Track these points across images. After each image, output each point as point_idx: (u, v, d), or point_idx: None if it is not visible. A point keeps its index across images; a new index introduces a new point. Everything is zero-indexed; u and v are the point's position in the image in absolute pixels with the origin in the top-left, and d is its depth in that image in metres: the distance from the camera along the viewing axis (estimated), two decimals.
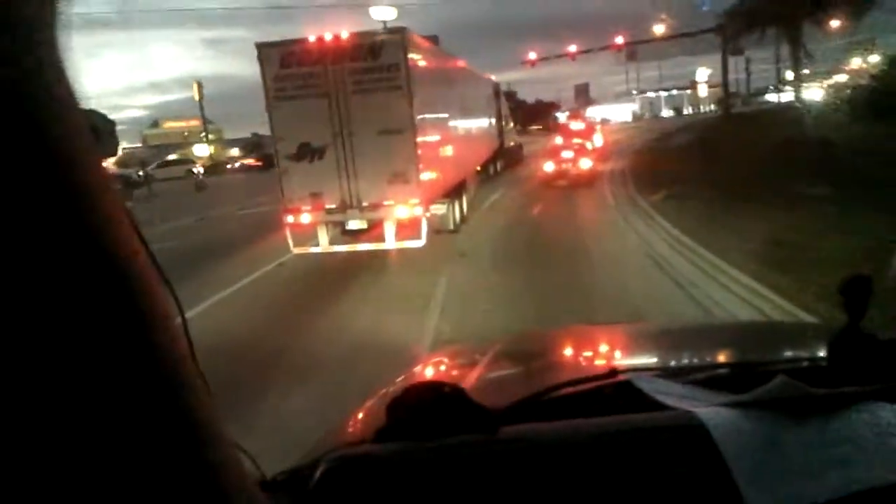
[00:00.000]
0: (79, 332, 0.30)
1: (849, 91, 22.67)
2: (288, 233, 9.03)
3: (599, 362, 1.65)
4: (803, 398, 0.78)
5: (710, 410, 0.79)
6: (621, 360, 1.70)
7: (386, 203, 8.76)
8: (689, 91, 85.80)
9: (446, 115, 11.19)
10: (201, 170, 36.05)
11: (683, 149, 23.00)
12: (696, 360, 1.56)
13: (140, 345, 0.33)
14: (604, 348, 1.81)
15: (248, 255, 10.20)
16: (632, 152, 23.92)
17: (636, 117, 79.11)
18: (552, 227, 11.30)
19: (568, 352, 1.83)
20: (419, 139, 8.66)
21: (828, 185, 10.77)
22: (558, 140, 19.06)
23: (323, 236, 9.08)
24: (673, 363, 1.49)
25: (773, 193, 10.66)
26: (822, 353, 1.07)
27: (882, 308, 1.05)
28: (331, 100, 8.61)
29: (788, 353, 1.61)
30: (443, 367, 1.88)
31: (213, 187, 27.95)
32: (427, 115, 9.32)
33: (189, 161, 43.78)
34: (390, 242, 8.91)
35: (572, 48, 35.15)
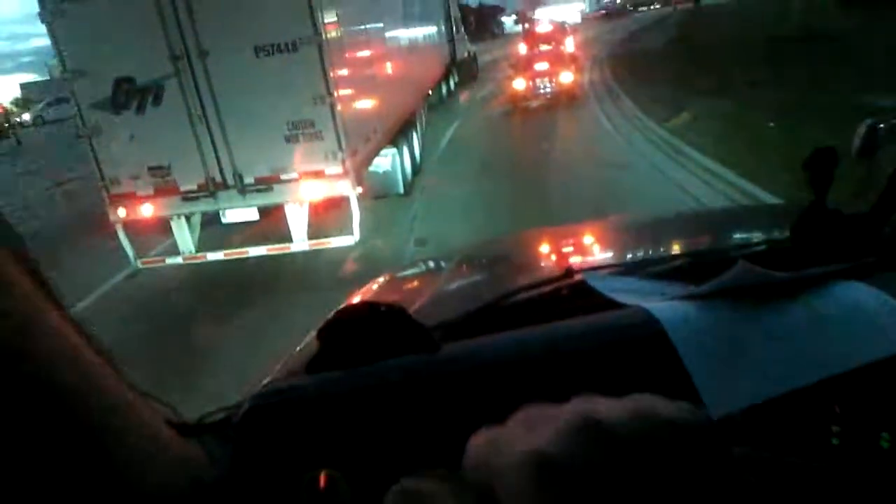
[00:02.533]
0: None
1: None
2: (121, 235, 5.28)
3: (557, 264, 1.60)
4: (764, 284, 0.73)
5: (665, 305, 0.74)
6: (580, 259, 1.64)
7: (285, 176, 5.06)
8: None
9: (375, 16, 7.21)
10: None
11: (666, 51, 19.38)
12: (655, 253, 1.53)
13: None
14: (564, 249, 1.76)
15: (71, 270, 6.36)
16: (607, 58, 20.13)
17: (585, 17, 74.11)
18: (543, 172, 7.82)
19: (526, 256, 1.76)
20: (333, 57, 4.87)
21: None
22: (523, 49, 15.17)
23: (184, 238, 5.36)
24: (631, 257, 1.47)
25: (831, 105, 7.45)
26: (786, 234, 0.97)
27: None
28: None
29: (750, 237, 1.59)
30: (394, 287, 1.70)
31: None
32: (343, 12, 5.45)
33: None
34: (299, 242, 5.28)
35: None
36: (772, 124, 7.95)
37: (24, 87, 56.37)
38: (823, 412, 0.67)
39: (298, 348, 1.05)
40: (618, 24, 43.72)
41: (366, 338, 0.73)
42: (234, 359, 3.85)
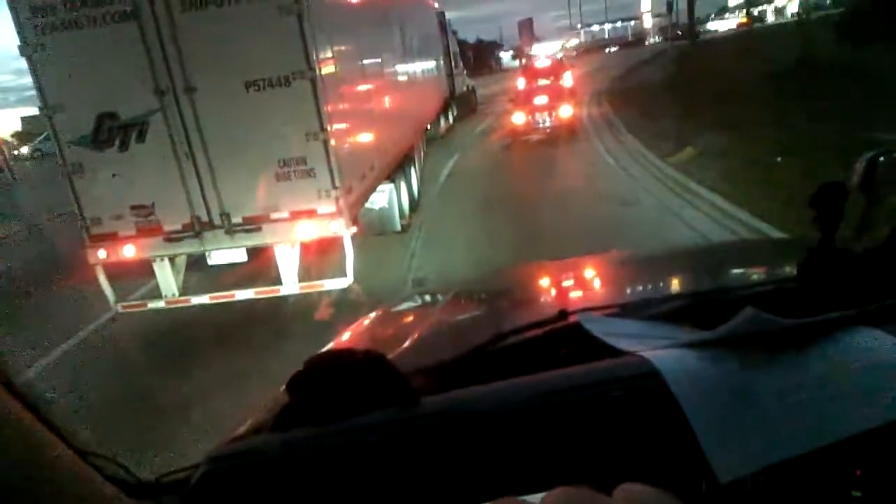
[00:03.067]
0: None
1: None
2: (101, 278, 4.97)
3: (552, 303, 1.55)
4: (773, 332, 0.68)
5: (666, 353, 0.68)
6: (577, 297, 1.59)
7: (276, 215, 4.78)
8: (633, 22, 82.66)
9: (372, 50, 7.04)
10: None
11: (665, 86, 19.41)
12: (655, 292, 1.45)
13: None
14: (560, 286, 1.69)
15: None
16: (605, 93, 20.18)
17: (580, 52, 75.39)
18: (546, 210, 7.57)
19: (522, 292, 1.69)
20: (328, 92, 4.64)
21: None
22: (522, 83, 15.12)
23: (167, 280, 5.04)
24: (630, 296, 1.42)
25: (837, 141, 7.24)
26: (793, 272, 0.93)
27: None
28: (143, 24, 4.44)
29: (756, 275, 1.55)
30: (387, 323, 1.64)
31: None
32: (338, 47, 5.25)
33: None
34: (290, 285, 4.97)
35: None
36: (779, 159, 7.74)
37: (24, 120, 56.68)
38: (843, 476, 0.61)
39: (266, 402, 0.97)
40: (609, 59, 44.22)
41: (339, 390, 0.68)
42: (212, 412, 3.51)
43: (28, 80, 4.58)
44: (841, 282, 0.83)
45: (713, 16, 78.70)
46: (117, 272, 5.07)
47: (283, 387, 0.77)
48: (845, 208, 0.86)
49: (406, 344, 1.09)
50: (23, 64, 4.53)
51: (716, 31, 65.03)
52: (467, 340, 0.88)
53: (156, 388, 4.03)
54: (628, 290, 1.57)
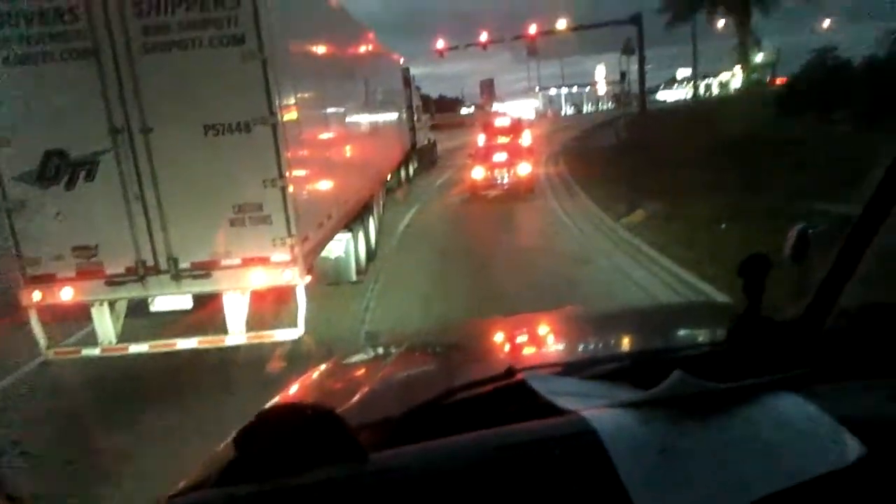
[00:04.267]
0: None
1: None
2: (33, 321, 4.68)
3: (501, 359, 1.60)
4: (701, 394, 0.73)
5: (603, 413, 0.73)
6: (525, 353, 1.64)
7: (227, 262, 4.65)
8: (587, 88, 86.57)
9: (334, 99, 7.11)
10: None
11: (618, 150, 20.28)
12: (598, 350, 1.55)
13: None
14: (509, 343, 1.76)
15: None
16: (561, 154, 20.87)
17: (539, 114, 78.32)
18: (503, 265, 7.63)
19: (472, 348, 1.73)
20: (288, 139, 4.62)
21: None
22: (482, 139, 15.53)
23: (104, 326, 4.79)
24: (574, 355, 1.50)
25: (777, 208, 7.66)
26: (723, 337, 1.04)
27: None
28: (102, 62, 4.36)
29: (688, 339, 1.64)
30: (338, 375, 1.66)
31: None
32: (302, 96, 5.27)
33: None
34: (236, 335, 4.78)
35: (483, 37, 32.12)
36: (723, 226, 8.08)
37: None
38: None
39: (210, 456, 0.97)
40: (565, 121, 46.00)
41: (287, 445, 0.68)
42: (144, 468, 3.27)
43: None
44: (764, 348, 0.89)
45: (663, 85, 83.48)
46: (56, 313, 4.81)
47: (229, 440, 0.75)
48: (771, 276, 0.92)
49: (356, 398, 1.10)
50: None
51: (664, 101, 68.96)
52: (417, 395, 0.90)
53: (79, 443, 3.76)
54: (573, 349, 1.64)
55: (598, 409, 0.75)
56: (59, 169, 4.46)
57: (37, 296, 4.60)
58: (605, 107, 77.70)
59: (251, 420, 0.70)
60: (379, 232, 9.17)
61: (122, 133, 4.44)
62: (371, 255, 8.14)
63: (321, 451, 0.68)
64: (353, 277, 6.97)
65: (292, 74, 4.94)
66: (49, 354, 4.72)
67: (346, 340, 5.26)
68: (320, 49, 6.49)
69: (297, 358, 4.67)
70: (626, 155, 18.04)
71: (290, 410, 0.74)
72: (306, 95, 5.56)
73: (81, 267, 4.57)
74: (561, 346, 1.75)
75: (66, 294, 4.60)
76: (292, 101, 4.91)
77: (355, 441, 0.71)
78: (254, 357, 4.85)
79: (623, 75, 33.65)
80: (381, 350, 2.02)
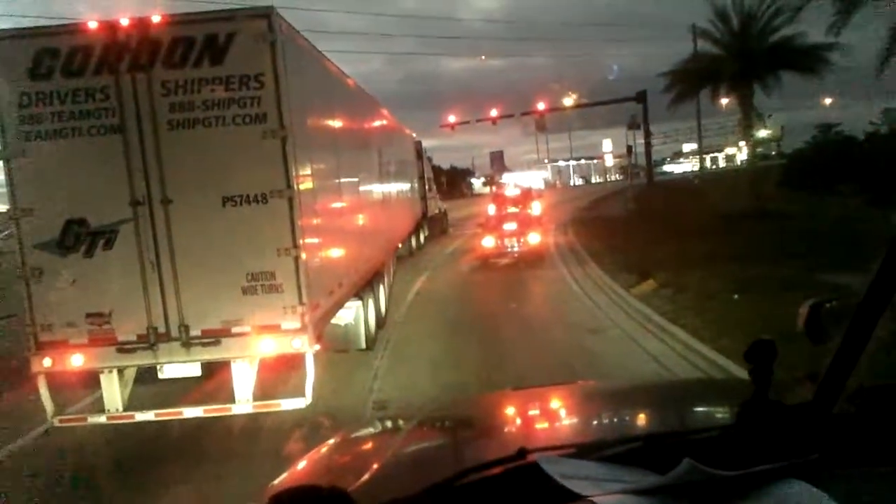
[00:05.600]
0: None
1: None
2: (41, 388, 4.67)
3: (513, 438, 1.61)
4: (710, 482, 0.75)
5: (616, 500, 0.75)
6: (534, 433, 1.64)
7: (237, 329, 4.67)
8: (595, 161, 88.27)
9: (349, 170, 7.31)
10: None
11: (626, 220, 20.47)
12: (610, 432, 1.55)
13: None
14: (521, 419, 1.78)
15: None
16: (571, 223, 21.09)
17: (548, 185, 79.67)
18: (513, 334, 7.57)
19: (484, 425, 1.73)
20: (303, 210, 4.74)
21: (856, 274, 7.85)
22: (492, 209, 15.75)
23: (112, 393, 4.77)
24: (586, 435, 1.51)
25: (789, 279, 7.61)
26: (732, 418, 1.06)
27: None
28: (128, 138, 4.56)
29: (699, 419, 1.67)
30: (346, 450, 1.66)
31: None
32: (317, 167, 5.45)
33: None
34: (243, 403, 4.74)
35: (493, 112, 33.24)
36: (736, 296, 8.04)
37: None
38: None
39: None
40: (573, 191, 46.73)
41: None
42: None
43: None
44: (773, 433, 0.90)
45: (669, 159, 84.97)
46: (67, 379, 4.81)
47: None
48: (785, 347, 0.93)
49: (366, 476, 1.10)
50: None
51: (671, 172, 70.00)
52: (428, 475, 0.90)
53: None
54: (584, 427, 1.64)
55: (611, 495, 0.76)
56: (78, 237, 4.59)
57: (47, 362, 4.62)
58: (612, 178, 78.88)
59: (267, 501, 0.71)
60: (389, 299, 9.19)
61: (143, 204, 4.58)
62: (381, 322, 8.12)
63: None
64: (363, 345, 6.94)
65: (309, 148, 5.13)
66: (54, 422, 4.68)
67: (353, 409, 5.18)
68: (336, 124, 6.75)
69: (306, 426, 4.59)
70: (634, 225, 18.23)
71: (305, 493, 0.75)
72: (322, 167, 5.75)
73: (94, 334, 4.60)
74: (572, 424, 1.73)
75: (77, 361, 4.61)
76: (308, 172, 5.08)
77: None
78: (262, 423, 4.77)
79: (629, 149, 34.49)
80: (389, 424, 2.02)
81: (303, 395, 4.67)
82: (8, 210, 4.57)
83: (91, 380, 4.93)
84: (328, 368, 5.49)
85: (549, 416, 1.80)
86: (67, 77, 4.50)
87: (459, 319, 8.71)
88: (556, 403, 1.91)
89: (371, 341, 7.23)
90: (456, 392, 5.51)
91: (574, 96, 37.97)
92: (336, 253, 6.24)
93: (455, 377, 6.01)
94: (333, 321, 6.13)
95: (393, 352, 7.24)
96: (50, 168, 4.56)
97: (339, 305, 6.09)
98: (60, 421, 4.70)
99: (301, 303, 4.66)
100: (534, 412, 1.83)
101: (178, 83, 4.51)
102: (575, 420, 1.77)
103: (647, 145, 34.63)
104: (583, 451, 0.98)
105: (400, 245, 12.64)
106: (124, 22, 4.51)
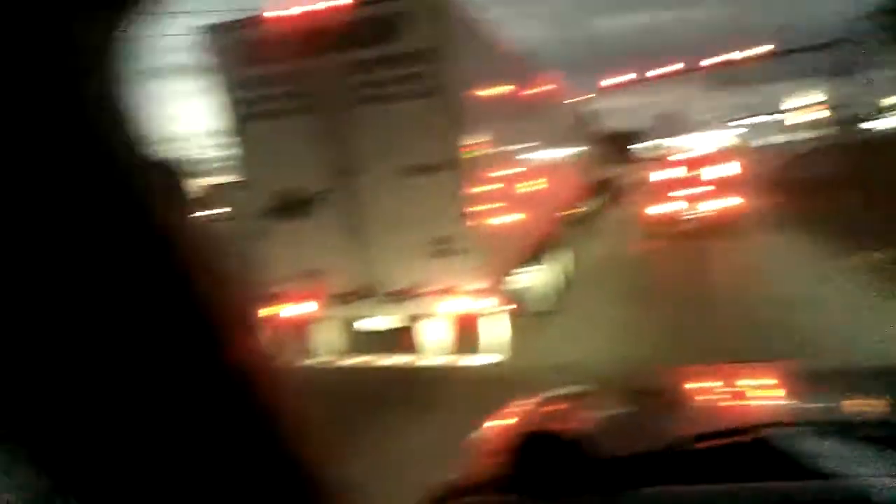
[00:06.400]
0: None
1: None
2: (268, 335, 5.35)
3: (735, 411, 1.54)
4: None
5: (878, 482, 0.70)
6: (758, 407, 1.59)
7: (427, 289, 4.93)
8: (780, 117, 78.25)
9: (519, 136, 7.28)
10: None
11: (829, 183, 17.83)
12: (839, 412, 1.40)
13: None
14: (743, 393, 1.70)
15: None
16: (760, 186, 18.89)
17: (729, 146, 72.35)
18: (697, 305, 7.04)
19: (701, 396, 1.71)
20: (477, 177, 4.84)
21: None
22: (668, 173, 14.67)
23: (331, 338, 5.34)
24: (818, 414, 1.32)
25: None
26: None
27: None
28: (321, 117, 4.99)
29: None
30: (558, 409, 1.68)
31: None
32: (488, 136, 5.49)
33: None
34: (435, 354, 5.03)
35: (664, 70, 30.84)
36: None
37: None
38: None
39: (465, 455, 1.06)
40: (761, 153, 41.78)
41: (547, 467, 0.73)
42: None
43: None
44: None
45: (875, 112, 72.40)
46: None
47: (480, 442, 0.83)
48: None
49: (588, 433, 1.11)
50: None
51: (875, 129, 59.25)
52: (655, 438, 0.91)
53: None
54: (813, 406, 1.52)
55: (870, 474, 0.72)
56: (289, 206, 5.14)
57: (276, 310, 5.23)
58: (805, 135, 69.44)
59: (515, 439, 0.76)
60: (568, 264, 9.07)
61: (340, 175, 5.00)
62: (563, 286, 8.07)
63: (576, 478, 0.72)
64: (546, 308, 6.94)
65: (478, 119, 5.19)
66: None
67: (539, 370, 5.22)
68: (502, 93, 6.74)
69: (492, 383, 4.73)
70: (836, 190, 15.77)
71: (545, 437, 0.79)
72: (492, 136, 5.79)
73: (312, 288, 5.16)
74: (799, 401, 1.62)
75: (305, 309, 5.17)
76: (478, 140, 5.14)
77: (608, 472, 0.74)
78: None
79: (824, 102, 29.95)
80: (587, 386, 2.00)
81: (493, 351, 4.82)
82: (232, 183, 5.26)
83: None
84: (512, 331, 5.58)
85: (769, 391, 1.71)
86: (271, 61, 5.01)
87: (641, 287, 8.31)
88: (775, 378, 1.78)
89: (553, 305, 7.20)
90: (643, 357, 5.30)
91: (758, 46, 33.80)
92: (513, 218, 6.28)
93: (642, 343, 5.77)
94: (517, 285, 6.21)
95: (575, 316, 7.13)
96: (258, 146, 5.14)
97: (520, 268, 6.14)
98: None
99: (484, 265, 4.78)
100: (752, 386, 1.72)
101: (360, 62, 4.81)
102: (802, 397, 1.62)
103: (856, 96, 29.71)
104: (822, 429, 0.91)
105: (573, 211, 12.36)
106: (320, 7, 4.88)
